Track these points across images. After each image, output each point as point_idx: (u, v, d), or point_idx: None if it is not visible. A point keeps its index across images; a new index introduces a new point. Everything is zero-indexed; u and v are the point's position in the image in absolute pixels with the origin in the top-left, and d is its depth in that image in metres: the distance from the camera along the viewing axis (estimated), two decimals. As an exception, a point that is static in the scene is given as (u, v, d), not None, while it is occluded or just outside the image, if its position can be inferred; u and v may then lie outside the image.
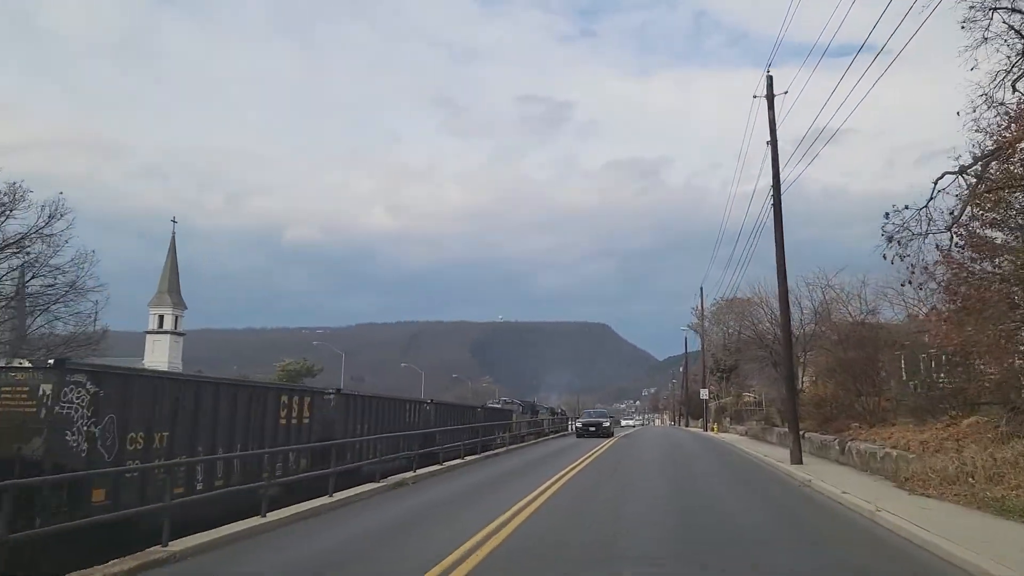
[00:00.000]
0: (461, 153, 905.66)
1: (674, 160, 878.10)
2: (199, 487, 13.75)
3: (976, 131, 18.82)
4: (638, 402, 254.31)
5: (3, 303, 31.25)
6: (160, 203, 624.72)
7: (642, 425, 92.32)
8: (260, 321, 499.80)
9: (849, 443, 21.05)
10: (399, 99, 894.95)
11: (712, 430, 43.29)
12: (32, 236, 30.53)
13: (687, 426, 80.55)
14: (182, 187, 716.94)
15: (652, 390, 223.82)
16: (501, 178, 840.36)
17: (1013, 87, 19.21)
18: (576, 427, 52.76)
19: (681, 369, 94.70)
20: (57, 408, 10.80)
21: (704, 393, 49.51)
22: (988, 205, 16.46)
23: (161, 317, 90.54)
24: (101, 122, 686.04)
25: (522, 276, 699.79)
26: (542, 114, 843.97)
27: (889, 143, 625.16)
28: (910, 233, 20.88)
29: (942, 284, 18.28)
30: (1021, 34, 18.79)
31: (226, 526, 11.80)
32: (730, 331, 68.12)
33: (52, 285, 32.48)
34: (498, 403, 51.86)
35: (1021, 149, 15.28)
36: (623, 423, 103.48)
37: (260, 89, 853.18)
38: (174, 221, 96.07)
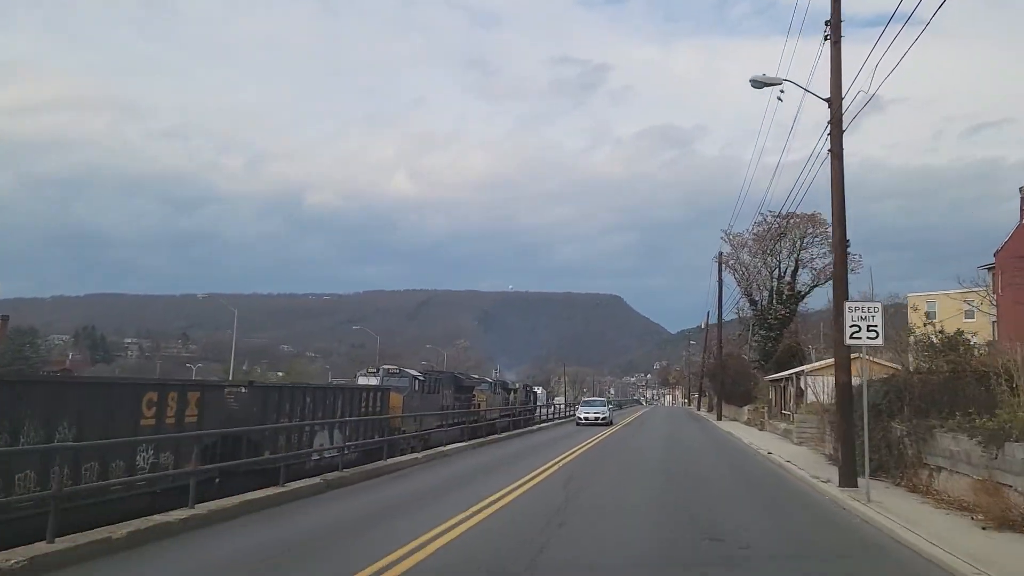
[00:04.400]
0: (488, 118, 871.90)
1: (709, 129, 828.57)
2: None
3: None
4: (648, 376, 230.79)
5: None
6: (180, 165, 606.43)
7: (614, 408, 58.64)
8: (271, 287, 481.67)
9: None
10: (425, 63, 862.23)
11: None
12: None
13: (719, 417, 48.88)
14: (201, 149, 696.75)
15: (663, 363, 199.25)
16: (527, 145, 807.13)
17: None
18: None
19: (702, 326, 67.58)
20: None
21: (862, 334, 13.15)
22: None
23: None
24: (121, 83, 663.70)
25: (539, 247, 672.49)
26: (575, 78, 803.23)
27: (937, 113, 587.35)
28: None
29: None
30: None
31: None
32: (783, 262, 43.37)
33: None
34: (375, 374, 27.52)
35: None
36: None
37: (279, 52, 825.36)
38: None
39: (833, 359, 15.91)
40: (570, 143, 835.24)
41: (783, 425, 29.18)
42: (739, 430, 35.47)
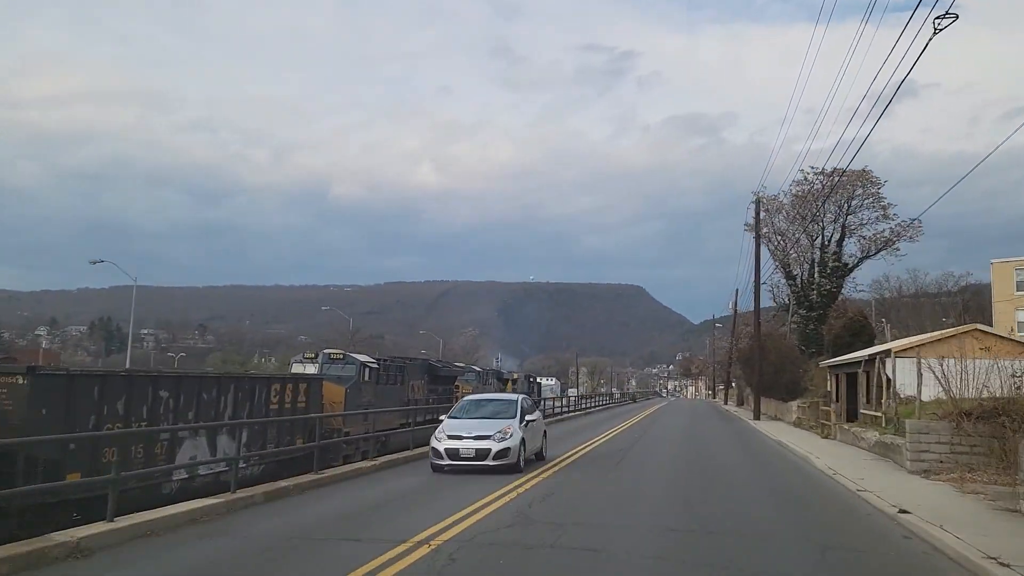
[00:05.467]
0: (513, 107, 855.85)
1: (737, 116, 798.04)
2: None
3: None
4: (671, 367, 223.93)
5: None
6: (206, 157, 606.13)
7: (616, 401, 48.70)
8: (293, 279, 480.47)
9: None
10: (450, 52, 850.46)
11: None
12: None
13: (756, 415, 35.84)
14: (227, 141, 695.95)
15: (686, 354, 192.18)
16: (552, 134, 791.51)
17: None
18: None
19: (730, 306, 59.75)
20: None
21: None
22: None
23: None
24: (147, 75, 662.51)
25: (562, 237, 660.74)
26: (601, 65, 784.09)
27: (973, 99, 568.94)
28: None
29: None
30: None
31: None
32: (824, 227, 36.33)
33: None
34: (313, 361, 21.48)
35: None
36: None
37: (303, 43, 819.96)
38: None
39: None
40: (596, 132, 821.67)
41: (872, 435, 18.60)
42: (792, 437, 24.46)
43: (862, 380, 22.25)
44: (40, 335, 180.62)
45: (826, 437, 23.89)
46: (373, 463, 16.95)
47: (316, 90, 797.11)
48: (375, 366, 21.92)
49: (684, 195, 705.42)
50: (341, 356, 21.21)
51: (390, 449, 21.42)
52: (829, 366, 27.75)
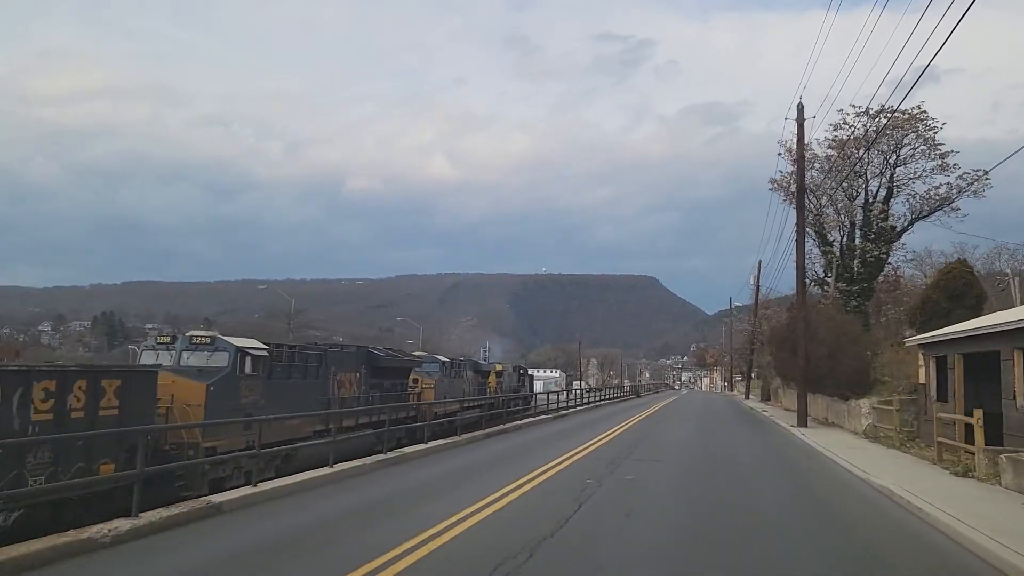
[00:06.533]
0: (528, 98, 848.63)
1: (755, 104, 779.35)
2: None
3: None
4: (685, 358, 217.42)
5: None
6: (220, 152, 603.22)
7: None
8: (306, 273, 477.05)
9: None
10: (464, 43, 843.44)
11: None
12: None
13: (801, 420, 25.45)
14: (240, 136, 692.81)
15: (701, 345, 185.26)
16: (568, 125, 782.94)
17: None
18: None
19: (751, 280, 51.75)
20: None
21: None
22: None
23: None
24: (160, 70, 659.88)
25: (577, 229, 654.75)
26: (617, 55, 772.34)
27: (995, 83, 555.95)
28: None
29: None
30: None
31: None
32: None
33: None
34: (168, 346, 15.38)
35: None
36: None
37: (316, 36, 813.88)
38: None
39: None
40: (611, 122, 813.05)
41: None
42: (903, 476, 13.18)
43: (1014, 366, 12.77)
44: (44, 330, 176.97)
45: (965, 475, 13.03)
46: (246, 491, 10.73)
47: (329, 84, 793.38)
48: (262, 354, 15.68)
49: (699, 186, 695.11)
50: (208, 340, 15.01)
51: (296, 467, 15.42)
52: (923, 345, 17.88)
